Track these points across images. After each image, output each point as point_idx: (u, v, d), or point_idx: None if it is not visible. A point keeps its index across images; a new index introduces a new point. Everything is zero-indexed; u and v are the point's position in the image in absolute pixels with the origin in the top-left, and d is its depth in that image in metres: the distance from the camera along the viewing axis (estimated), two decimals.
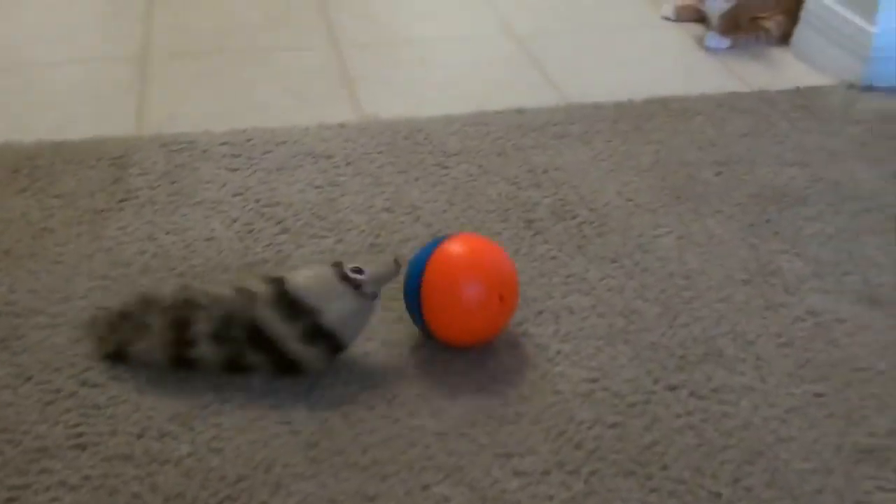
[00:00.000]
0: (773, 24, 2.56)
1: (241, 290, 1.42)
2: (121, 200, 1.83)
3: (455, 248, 1.46)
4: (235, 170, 1.93)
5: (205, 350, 1.42)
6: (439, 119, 2.12)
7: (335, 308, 1.38)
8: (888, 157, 2.04)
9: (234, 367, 1.42)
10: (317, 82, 2.30)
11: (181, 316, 1.43)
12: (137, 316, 1.46)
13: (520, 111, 2.16)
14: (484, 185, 1.89)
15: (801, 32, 2.50)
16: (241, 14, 2.67)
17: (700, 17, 2.64)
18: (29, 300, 1.58)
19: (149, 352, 1.44)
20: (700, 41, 2.57)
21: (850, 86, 2.32)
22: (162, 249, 1.70)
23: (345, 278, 1.39)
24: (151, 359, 1.44)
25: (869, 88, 2.30)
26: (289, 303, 1.38)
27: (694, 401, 1.42)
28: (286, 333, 1.38)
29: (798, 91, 2.29)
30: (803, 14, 2.49)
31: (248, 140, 2.02)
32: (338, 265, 1.41)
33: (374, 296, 1.42)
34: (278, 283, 1.40)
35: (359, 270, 1.40)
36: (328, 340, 1.39)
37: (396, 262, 1.44)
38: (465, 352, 1.47)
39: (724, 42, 2.54)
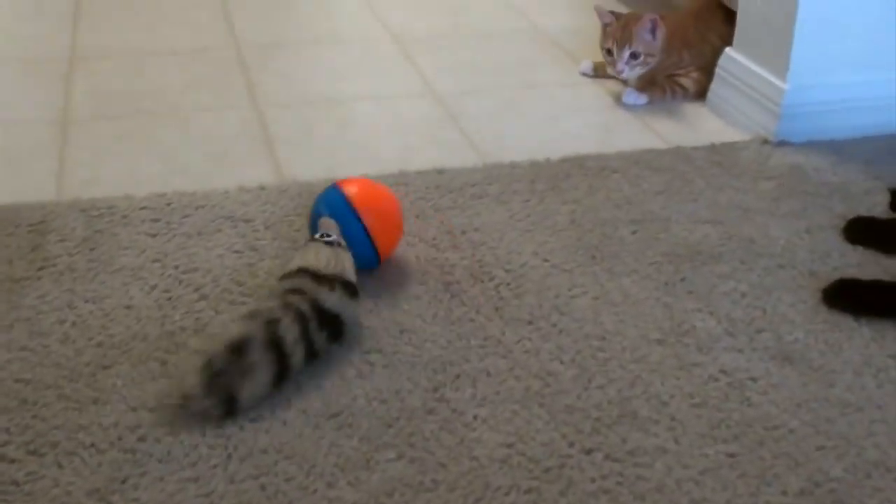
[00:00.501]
0: (689, 80, 2.61)
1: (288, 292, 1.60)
2: (39, 268, 1.83)
3: (355, 182, 1.86)
4: (154, 235, 1.93)
5: (298, 354, 1.54)
6: None
7: (348, 264, 1.68)
8: (800, 212, 2.08)
9: (314, 356, 1.58)
10: (237, 143, 2.31)
11: (272, 336, 1.50)
12: (228, 363, 1.48)
13: (439, 171, 2.19)
14: (403, 247, 1.91)
15: (716, 88, 2.56)
16: (162, 75, 2.68)
17: None
18: None
19: (257, 387, 1.49)
20: (618, 97, 2.61)
21: (764, 141, 2.37)
22: (81, 318, 1.70)
23: (329, 243, 1.67)
24: (260, 394, 1.50)
25: (782, 144, 2.36)
26: (323, 277, 1.62)
27: (609, 464, 1.44)
28: (334, 300, 1.60)
29: (713, 147, 2.34)
30: (718, 70, 2.55)
31: (168, 204, 2.03)
32: (315, 240, 1.70)
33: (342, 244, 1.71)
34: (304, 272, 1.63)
35: (328, 235, 1.70)
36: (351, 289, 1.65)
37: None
38: (383, 418, 1.49)
39: (642, 98, 2.59)
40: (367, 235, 1.78)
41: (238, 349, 1.48)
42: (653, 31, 2.54)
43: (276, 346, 1.51)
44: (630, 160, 2.26)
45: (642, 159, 2.27)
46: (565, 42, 2.98)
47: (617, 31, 2.56)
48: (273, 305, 1.56)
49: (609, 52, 2.58)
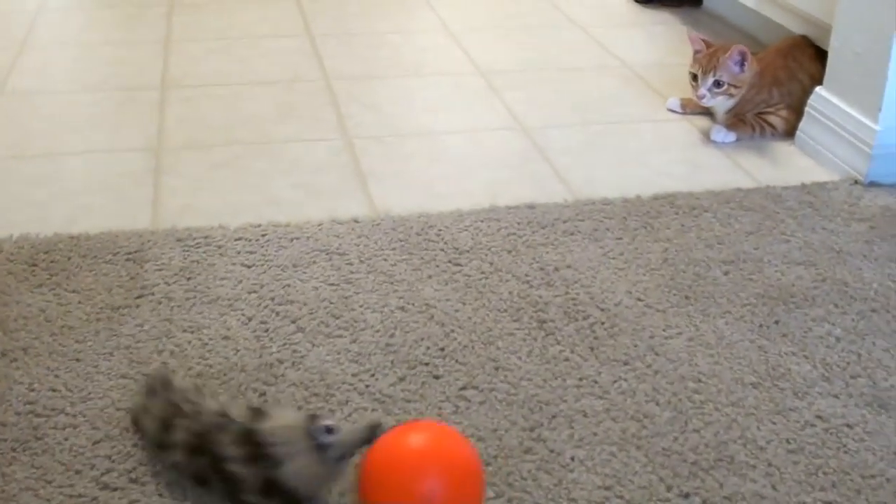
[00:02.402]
0: (778, 118, 2.61)
1: (222, 413, 1.42)
2: (137, 297, 1.86)
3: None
4: (250, 266, 1.96)
5: (179, 458, 1.43)
6: (451, 214, 2.16)
7: (296, 465, 1.35)
8: (893, 255, 2.07)
9: (203, 483, 1.42)
10: (328, 175, 2.35)
11: (166, 417, 1.46)
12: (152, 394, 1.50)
13: (530, 206, 2.20)
14: (496, 282, 1.93)
15: (805, 127, 2.55)
16: (253, 105, 2.72)
17: (705, 110, 2.69)
18: (48, 399, 1.60)
19: (148, 431, 1.49)
20: (706, 134, 2.61)
21: (855, 182, 2.36)
22: (179, 348, 1.73)
23: (312, 436, 1.35)
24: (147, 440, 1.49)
25: (873, 185, 2.35)
26: (255, 444, 1.36)
27: None
28: (246, 477, 1.35)
29: (803, 187, 2.34)
30: (808, 109, 2.55)
31: (263, 235, 2.06)
32: (313, 418, 1.37)
33: (342, 458, 1.39)
34: (254, 417, 1.40)
35: (330, 430, 1.36)
36: (285, 495, 1.36)
37: (371, 429, 1.41)
38: (480, 456, 1.49)
39: (730, 136, 2.59)
40: None
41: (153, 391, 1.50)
42: (741, 63, 2.54)
43: (164, 428, 1.46)
44: (720, 199, 2.26)
45: (732, 198, 2.27)
46: (651, 77, 2.99)
47: (705, 58, 2.57)
48: (204, 406, 1.45)
49: (694, 77, 2.59)
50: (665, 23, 3.53)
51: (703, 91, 2.55)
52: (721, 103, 2.59)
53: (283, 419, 1.39)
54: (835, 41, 2.47)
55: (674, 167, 2.44)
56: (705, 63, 2.56)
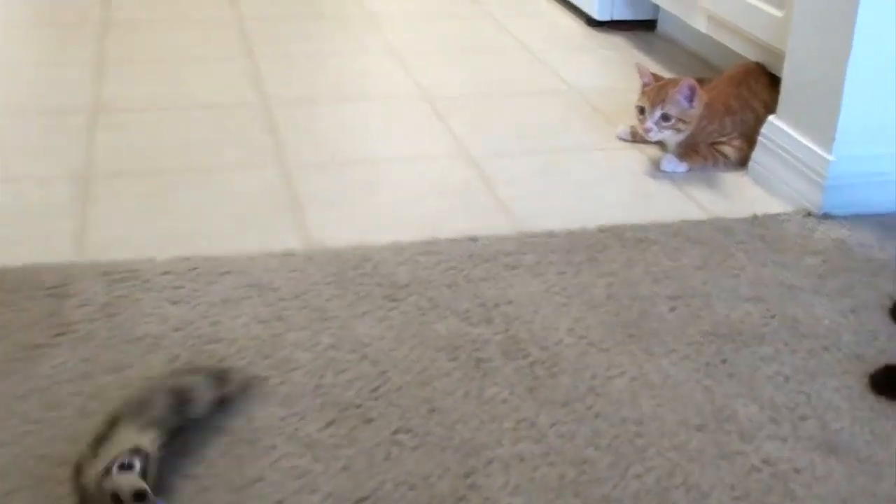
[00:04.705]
0: (731, 148, 2.62)
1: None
2: (57, 335, 1.83)
3: None
4: (177, 302, 1.93)
5: None
6: (389, 247, 2.15)
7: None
8: (846, 291, 2.07)
9: None
10: (263, 205, 2.33)
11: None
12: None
13: (472, 239, 2.19)
14: (433, 319, 1.91)
15: (758, 157, 2.56)
16: (187, 131, 2.70)
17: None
18: None
19: None
20: (657, 164, 2.62)
21: (808, 214, 2.37)
22: (99, 390, 1.70)
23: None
24: None
25: (826, 217, 2.35)
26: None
27: None
28: None
29: (755, 219, 2.34)
30: (760, 138, 2.55)
31: (192, 269, 2.04)
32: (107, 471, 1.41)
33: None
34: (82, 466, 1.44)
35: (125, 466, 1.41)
36: None
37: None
38: None
39: (681, 166, 2.59)
40: None
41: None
42: (690, 98, 2.55)
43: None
44: (669, 231, 2.26)
45: (681, 230, 2.27)
46: (602, 104, 2.99)
47: (653, 91, 2.58)
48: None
49: (641, 110, 2.59)
50: (617, 48, 3.55)
51: (649, 125, 2.55)
52: (668, 138, 2.59)
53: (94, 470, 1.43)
54: (788, 68, 2.49)
55: (622, 198, 2.44)
56: (653, 96, 2.56)
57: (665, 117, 2.54)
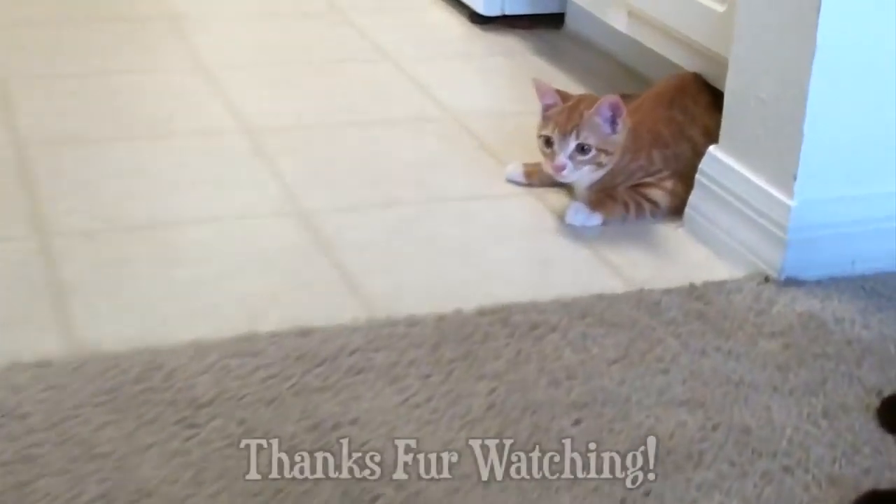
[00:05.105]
0: (660, 192, 2.63)
1: None
2: None
3: None
4: None
5: None
6: (187, 348, 2.12)
7: None
8: (816, 387, 2.09)
9: None
10: (8, 294, 2.29)
11: None
12: None
13: (304, 333, 2.18)
14: (246, 452, 1.88)
15: (697, 202, 2.57)
16: None
17: (559, 182, 2.68)
18: None
19: None
20: (560, 215, 2.62)
21: (765, 279, 2.39)
22: None
23: None
24: None
25: (790, 282, 2.37)
26: None
27: None
28: None
29: (692, 290, 2.36)
30: (699, 177, 2.56)
31: None
32: None
33: None
34: None
35: None
36: None
37: None
38: None
39: (594, 218, 2.60)
40: None
41: None
42: (612, 121, 2.55)
43: None
44: (574, 311, 2.27)
45: (592, 310, 2.27)
46: (486, 134, 3.01)
47: (562, 115, 2.56)
48: None
49: (548, 141, 2.57)
50: (511, 53, 3.58)
51: (562, 160, 2.53)
52: (584, 176, 2.58)
53: None
54: (732, 83, 2.50)
55: (511, 266, 2.45)
56: (563, 122, 2.54)
57: (582, 148, 2.52)
